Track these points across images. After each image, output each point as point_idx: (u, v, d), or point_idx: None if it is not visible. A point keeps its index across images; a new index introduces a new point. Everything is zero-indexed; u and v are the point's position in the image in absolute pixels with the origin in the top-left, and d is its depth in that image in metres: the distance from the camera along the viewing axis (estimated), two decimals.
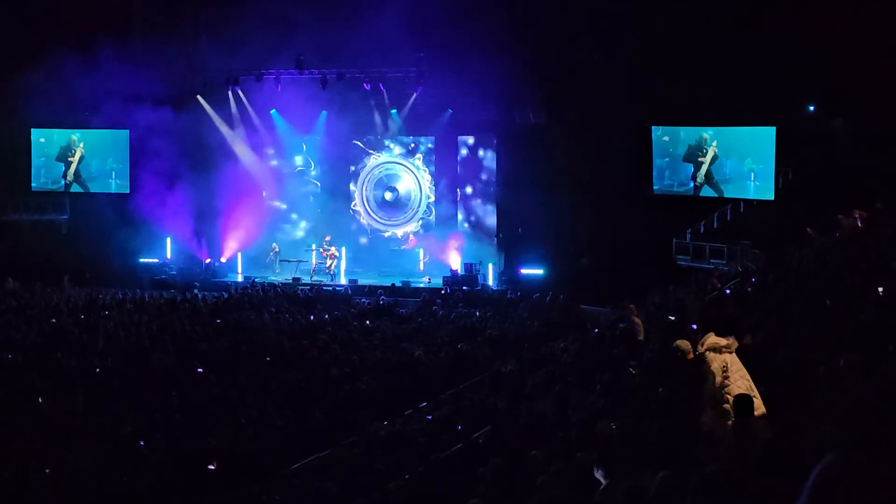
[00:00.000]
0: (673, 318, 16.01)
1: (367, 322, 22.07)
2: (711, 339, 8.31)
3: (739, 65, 24.44)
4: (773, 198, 25.65)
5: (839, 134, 25.10)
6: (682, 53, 24.78)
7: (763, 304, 13.31)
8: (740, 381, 8.07)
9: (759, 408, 7.90)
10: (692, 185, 27.63)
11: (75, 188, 32.93)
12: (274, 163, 32.37)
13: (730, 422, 7.94)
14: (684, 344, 9.26)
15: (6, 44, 28.81)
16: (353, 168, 32.47)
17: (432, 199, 31.90)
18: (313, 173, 32.54)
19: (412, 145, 32.11)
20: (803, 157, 25.48)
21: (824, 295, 11.89)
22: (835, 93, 24.50)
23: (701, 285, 18.91)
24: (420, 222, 32.00)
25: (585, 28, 26.39)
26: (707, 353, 8.23)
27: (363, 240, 32.23)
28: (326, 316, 22.60)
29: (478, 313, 23.23)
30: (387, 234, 32.40)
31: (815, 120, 26.16)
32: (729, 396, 8.00)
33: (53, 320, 21.67)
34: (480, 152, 31.71)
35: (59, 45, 27.53)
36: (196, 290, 27.89)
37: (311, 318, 22.41)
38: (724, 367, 8.14)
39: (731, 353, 8.25)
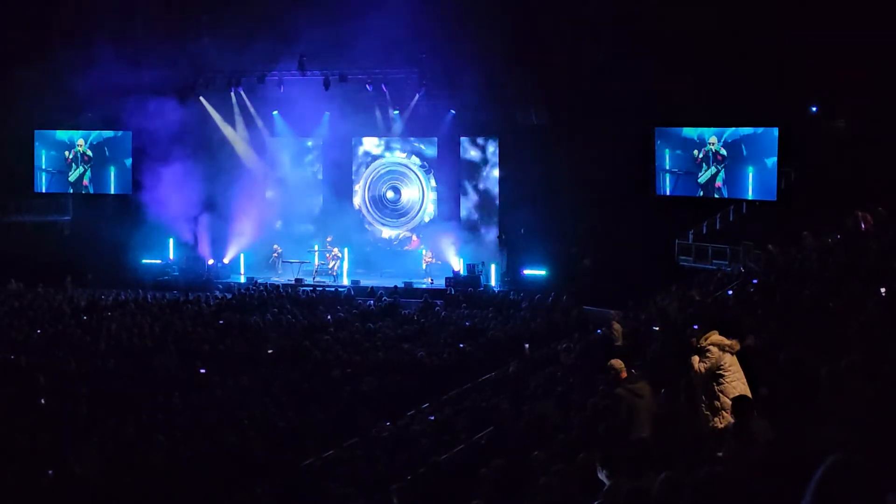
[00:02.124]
0: (657, 328, 16.09)
1: (370, 324, 22.06)
2: (716, 336, 8.31)
3: (742, 66, 24.43)
4: (775, 199, 25.64)
5: (841, 135, 25.08)
6: (685, 54, 24.77)
7: (765, 305, 13.30)
8: (736, 382, 8.06)
9: None
10: (695, 185, 27.62)
11: (78, 189, 32.97)
12: (276, 163, 32.38)
13: (717, 418, 7.95)
14: (618, 363, 9.26)
15: (9, 46, 28.84)
16: (355, 168, 32.53)
17: (434, 199, 31.92)
18: (317, 175, 32.58)
19: (413, 146, 32.19)
20: (806, 158, 25.47)
21: (827, 296, 11.88)
22: (837, 94, 24.50)
23: (683, 295, 18.86)
24: (420, 224, 32.03)
25: (588, 29, 26.38)
26: (710, 347, 8.23)
27: (365, 239, 32.27)
28: (329, 317, 22.61)
29: (477, 313, 23.23)
30: (387, 235, 32.45)
31: (817, 121, 26.15)
32: (721, 394, 8.01)
33: (56, 321, 21.68)
34: (483, 153, 31.74)
35: (62, 46, 27.58)
36: (217, 291, 27.83)
37: (314, 319, 22.42)
38: (717, 365, 8.12)
39: (731, 353, 8.25)
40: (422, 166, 32.15)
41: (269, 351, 18.82)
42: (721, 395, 8.03)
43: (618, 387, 8.93)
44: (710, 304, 16.35)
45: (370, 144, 32.53)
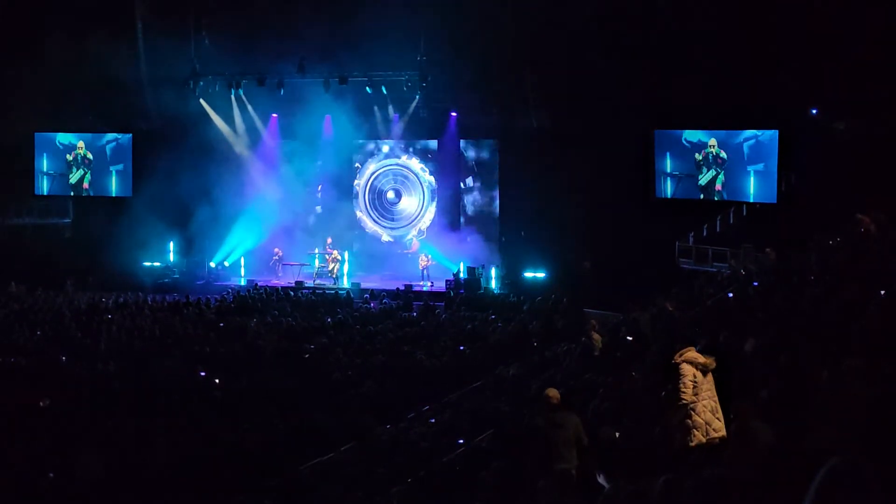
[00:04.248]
0: (630, 338, 16.08)
1: (370, 326, 22.06)
2: (691, 352, 8.26)
3: (742, 68, 24.42)
4: (775, 201, 25.64)
5: (842, 137, 25.06)
6: (685, 57, 24.76)
7: (766, 308, 13.29)
8: (707, 401, 8.03)
9: (720, 430, 7.90)
10: (695, 188, 27.61)
11: (79, 192, 32.97)
12: (276, 166, 32.39)
13: (688, 437, 7.93)
14: (553, 392, 9.21)
15: (10, 49, 28.87)
16: (355, 170, 32.55)
17: (434, 202, 31.95)
18: (317, 177, 32.58)
19: (414, 149, 32.24)
20: (806, 161, 25.45)
21: (827, 298, 11.87)
22: (837, 96, 24.48)
23: (657, 307, 18.87)
24: (420, 227, 32.06)
25: (588, 31, 26.38)
26: (682, 364, 8.18)
27: (365, 242, 32.33)
28: (329, 319, 22.61)
29: (477, 316, 23.22)
30: (387, 239, 32.47)
31: (817, 123, 26.13)
32: (692, 411, 7.98)
33: (56, 324, 21.69)
34: (483, 156, 31.78)
35: (62, 50, 27.57)
36: (223, 293, 27.60)
37: (314, 321, 22.41)
38: (694, 382, 8.09)
39: (705, 372, 8.18)
40: (422, 169, 32.16)
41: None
42: (692, 412, 8.00)
43: (538, 417, 8.90)
44: (682, 318, 16.36)
45: (370, 147, 32.53)
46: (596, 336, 16.00)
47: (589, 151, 27.16)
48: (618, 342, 16.39)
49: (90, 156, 32.81)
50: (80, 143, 32.83)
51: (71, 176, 32.88)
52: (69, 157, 32.83)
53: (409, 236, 32.26)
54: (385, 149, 32.47)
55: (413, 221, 32.28)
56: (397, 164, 32.46)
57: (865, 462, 2.89)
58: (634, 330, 16.17)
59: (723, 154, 27.04)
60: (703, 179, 27.39)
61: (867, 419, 5.35)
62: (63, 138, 32.97)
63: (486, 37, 26.81)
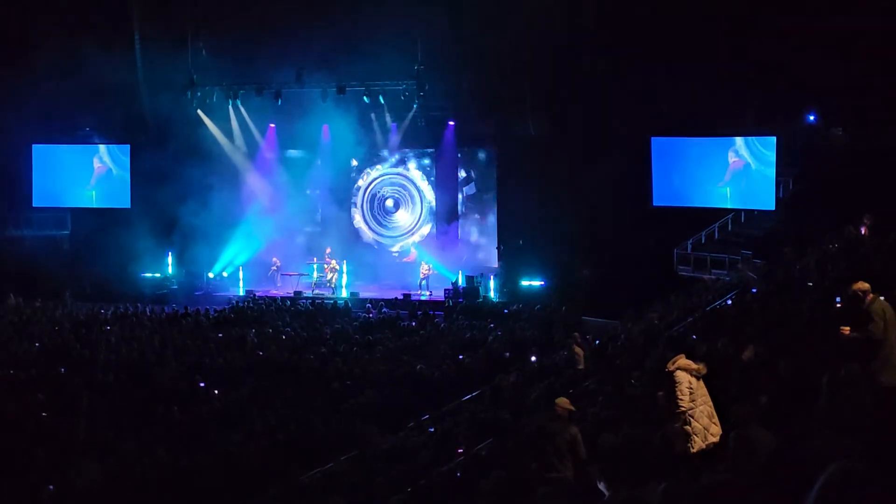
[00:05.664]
0: (626, 345, 16.14)
1: (369, 336, 22.05)
2: (683, 360, 8.32)
3: (739, 75, 24.47)
4: (773, 208, 25.64)
5: (839, 143, 25.11)
6: (682, 64, 24.81)
7: (765, 315, 13.31)
8: (703, 406, 8.11)
9: (717, 435, 7.95)
10: (693, 195, 27.59)
11: (76, 203, 32.84)
12: (274, 176, 32.38)
13: (689, 444, 7.97)
14: (563, 402, 9.21)
15: (7, 59, 28.88)
16: (353, 179, 32.56)
17: (432, 211, 31.95)
18: (315, 187, 32.57)
19: (412, 157, 32.26)
20: (804, 167, 25.48)
21: (825, 304, 11.89)
22: (835, 102, 24.52)
23: (645, 318, 18.93)
24: (418, 237, 32.05)
25: (585, 38, 26.44)
26: (677, 371, 8.24)
27: (363, 251, 32.32)
28: (328, 329, 22.58)
29: (476, 324, 23.22)
30: (382, 244, 32.46)
31: (815, 130, 26.17)
32: (690, 418, 8.02)
33: (55, 336, 21.65)
34: (481, 164, 31.80)
35: (60, 61, 27.58)
36: (228, 303, 27.51)
37: (313, 331, 22.40)
38: (690, 388, 8.15)
39: (698, 378, 8.26)
40: (422, 178, 32.16)
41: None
42: (690, 417, 8.05)
43: (530, 426, 8.93)
44: (666, 328, 16.43)
45: (368, 157, 32.51)
46: (578, 350, 16.01)
47: (587, 159, 27.18)
48: (616, 350, 16.42)
49: (89, 167, 32.71)
50: (79, 155, 32.72)
51: (69, 187, 32.73)
52: (67, 169, 32.63)
53: (397, 247, 32.23)
54: (384, 160, 32.46)
55: (408, 232, 32.27)
56: (396, 174, 32.47)
57: (866, 468, 2.89)
58: (629, 338, 16.24)
59: (720, 160, 26.98)
60: (702, 186, 27.42)
61: (867, 424, 5.35)
62: (61, 150, 32.79)
63: (483, 45, 26.83)
